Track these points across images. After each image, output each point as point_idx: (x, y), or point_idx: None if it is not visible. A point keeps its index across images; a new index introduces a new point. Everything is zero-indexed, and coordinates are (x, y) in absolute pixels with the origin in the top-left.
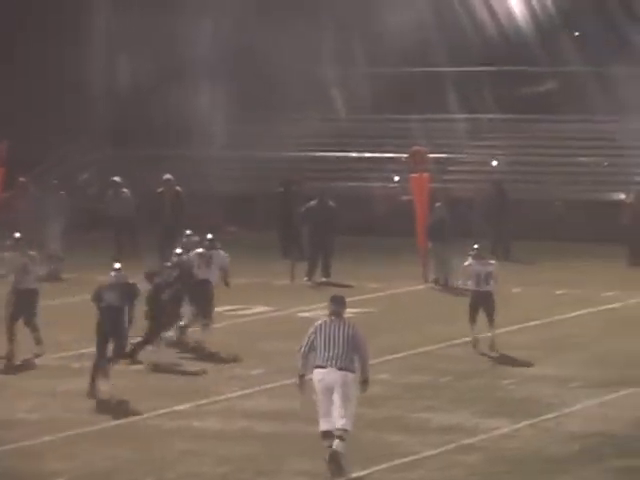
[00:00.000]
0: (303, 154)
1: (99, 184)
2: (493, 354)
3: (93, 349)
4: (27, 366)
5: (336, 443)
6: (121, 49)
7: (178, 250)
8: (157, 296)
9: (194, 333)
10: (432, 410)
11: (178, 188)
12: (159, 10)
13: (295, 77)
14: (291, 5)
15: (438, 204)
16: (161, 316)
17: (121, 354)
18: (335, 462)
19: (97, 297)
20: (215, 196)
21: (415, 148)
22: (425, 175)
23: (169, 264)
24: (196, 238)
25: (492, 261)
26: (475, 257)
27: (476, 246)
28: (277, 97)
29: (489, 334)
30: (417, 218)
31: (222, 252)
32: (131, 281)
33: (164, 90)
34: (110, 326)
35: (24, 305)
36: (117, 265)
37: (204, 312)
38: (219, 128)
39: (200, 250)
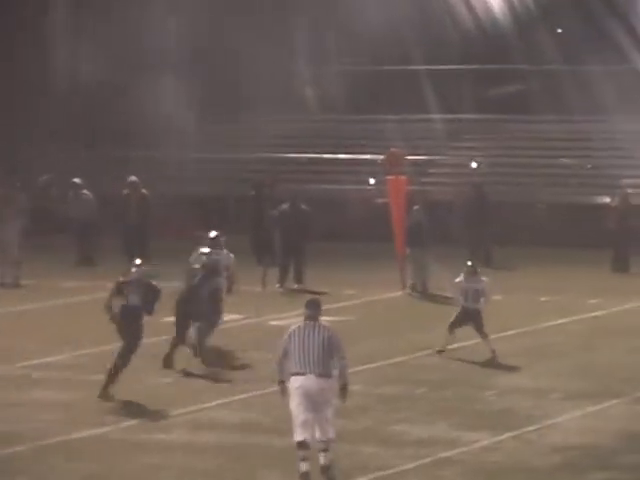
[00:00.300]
0: (275, 155)
1: (60, 185)
2: (481, 360)
3: (54, 358)
4: None
5: (323, 457)
6: (88, 48)
7: (205, 249)
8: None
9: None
10: (409, 422)
11: (144, 191)
12: (126, 8)
13: (267, 76)
14: (263, 2)
15: (415, 207)
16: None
17: (128, 355)
18: (328, 476)
19: (118, 292)
20: (185, 199)
21: (391, 150)
22: (402, 177)
23: (196, 266)
24: (223, 238)
25: (483, 278)
26: (467, 274)
27: (469, 263)
28: (248, 97)
29: (485, 346)
30: (394, 222)
31: (225, 251)
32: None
33: (132, 90)
34: (126, 325)
35: None
36: (138, 261)
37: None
38: (189, 129)
39: (204, 250)
